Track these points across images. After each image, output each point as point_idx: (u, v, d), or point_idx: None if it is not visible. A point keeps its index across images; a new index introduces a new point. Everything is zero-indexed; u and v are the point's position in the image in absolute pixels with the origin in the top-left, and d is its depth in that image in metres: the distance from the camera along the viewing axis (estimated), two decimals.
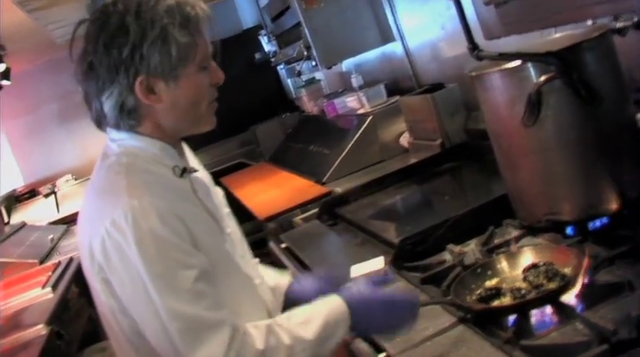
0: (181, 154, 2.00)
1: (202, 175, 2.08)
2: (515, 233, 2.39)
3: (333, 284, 2.16)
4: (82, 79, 1.85)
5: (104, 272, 1.76)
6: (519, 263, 2.10)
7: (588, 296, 1.81)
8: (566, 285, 1.85)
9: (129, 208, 1.71)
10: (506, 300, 1.94)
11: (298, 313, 1.89)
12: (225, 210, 2.13)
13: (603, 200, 2.17)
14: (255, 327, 1.78)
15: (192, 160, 2.12)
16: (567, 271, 1.93)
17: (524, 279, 2.00)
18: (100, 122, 1.90)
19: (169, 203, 1.77)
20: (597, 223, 2.21)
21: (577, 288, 1.84)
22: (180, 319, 1.69)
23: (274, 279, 2.29)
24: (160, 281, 1.69)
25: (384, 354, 1.96)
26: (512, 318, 1.82)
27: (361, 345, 2.05)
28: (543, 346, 1.69)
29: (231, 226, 2.10)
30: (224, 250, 1.93)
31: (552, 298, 1.84)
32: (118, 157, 1.87)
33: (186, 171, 1.93)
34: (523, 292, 1.91)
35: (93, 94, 1.84)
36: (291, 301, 2.21)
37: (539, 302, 1.84)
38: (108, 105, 1.82)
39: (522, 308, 1.85)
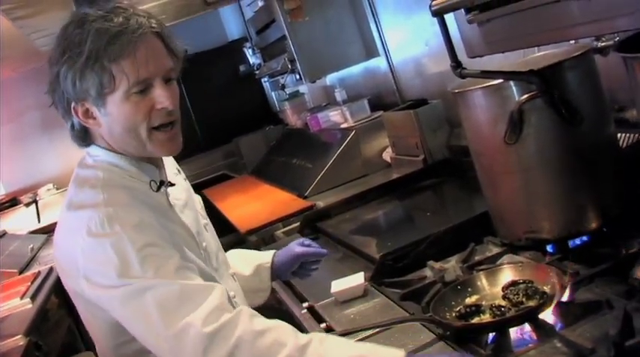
0: (159, 165, 2.00)
1: (180, 183, 2.10)
2: (495, 250, 2.39)
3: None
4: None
5: (90, 281, 1.75)
6: (499, 281, 2.10)
7: (567, 314, 1.82)
8: (545, 303, 1.84)
9: (104, 214, 1.73)
10: (485, 317, 1.93)
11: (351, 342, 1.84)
12: (203, 221, 2.13)
13: (583, 218, 2.19)
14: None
15: (171, 168, 2.13)
16: (547, 289, 1.93)
17: (504, 297, 1.99)
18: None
19: (147, 215, 1.79)
20: (577, 241, 2.22)
21: (555, 306, 1.84)
22: (158, 292, 1.68)
23: (256, 259, 2.41)
24: (141, 273, 1.69)
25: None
26: (491, 335, 1.82)
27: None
28: None
29: (208, 238, 2.10)
30: (200, 264, 1.91)
31: (531, 315, 1.84)
32: (95, 170, 1.88)
33: (163, 185, 1.93)
34: (503, 309, 1.91)
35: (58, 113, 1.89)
36: (278, 271, 2.43)
37: (518, 320, 1.85)
38: (67, 125, 1.90)
39: (502, 326, 1.86)
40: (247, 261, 2.42)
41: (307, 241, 2.47)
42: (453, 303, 2.07)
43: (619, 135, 2.42)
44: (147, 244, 1.73)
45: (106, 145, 1.90)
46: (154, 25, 1.81)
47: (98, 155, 1.90)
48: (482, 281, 2.13)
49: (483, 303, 2.01)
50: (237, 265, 2.38)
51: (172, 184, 2.00)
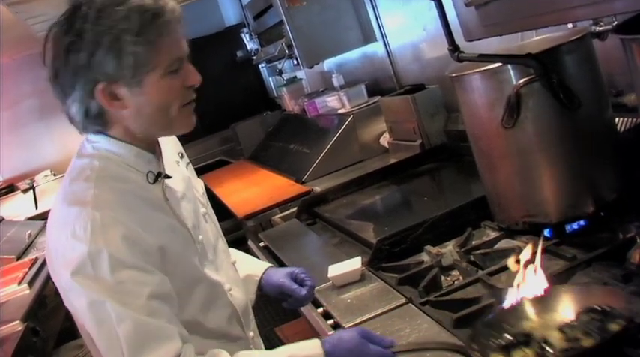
0: (158, 156, 1.96)
1: (180, 172, 2.06)
2: (493, 235, 2.39)
3: (295, 281, 2.24)
4: (51, 84, 1.82)
5: (61, 281, 1.74)
6: (555, 307, 1.72)
7: None
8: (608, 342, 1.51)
9: (90, 219, 1.69)
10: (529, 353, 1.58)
11: (264, 352, 1.91)
12: (202, 210, 2.10)
13: (581, 203, 2.19)
14: (199, 354, 1.76)
15: (173, 155, 2.10)
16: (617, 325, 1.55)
17: (561, 329, 1.63)
18: (75, 125, 1.87)
19: (136, 215, 1.76)
20: (574, 225, 2.22)
21: None
22: (129, 321, 1.66)
23: (248, 268, 2.32)
24: (111, 293, 1.67)
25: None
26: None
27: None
28: None
29: (206, 229, 2.06)
30: (191, 258, 1.90)
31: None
32: (91, 160, 1.84)
33: (160, 176, 1.90)
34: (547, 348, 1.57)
35: (60, 98, 1.81)
36: (263, 289, 2.29)
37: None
38: (73, 110, 1.79)
39: None
40: (239, 267, 2.36)
41: (302, 274, 2.26)
42: (504, 325, 1.71)
43: (617, 119, 2.41)
44: (125, 266, 1.69)
45: (120, 131, 1.84)
46: (180, 8, 1.83)
47: (98, 141, 1.85)
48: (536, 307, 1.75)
49: (535, 333, 1.65)
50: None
51: (169, 177, 1.95)
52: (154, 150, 1.94)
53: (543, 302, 1.73)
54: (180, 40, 1.80)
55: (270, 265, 2.40)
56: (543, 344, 1.57)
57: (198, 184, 2.17)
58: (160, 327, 1.69)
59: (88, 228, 1.67)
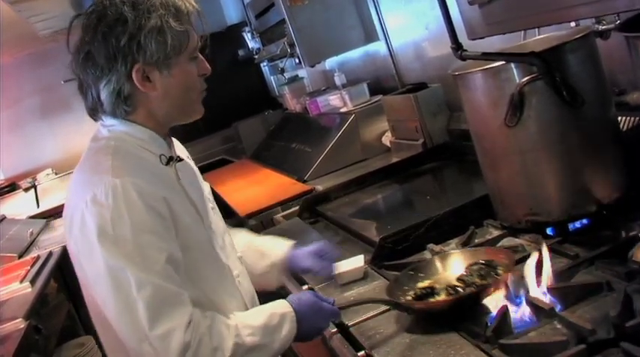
0: (169, 143, 2.04)
1: (190, 166, 2.14)
2: (495, 233, 2.39)
3: (321, 258, 2.36)
4: (79, 68, 1.90)
5: (77, 247, 1.81)
6: (451, 265, 2.21)
7: (567, 296, 1.81)
8: (497, 282, 1.94)
9: (110, 185, 1.76)
10: (441, 297, 2.02)
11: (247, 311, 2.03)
12: (210, 205, 2.16)
13: (583, 201, 2.19)
14: (203, 316, 1.83)
15: (182, 151, 2.17)
16: (500, 269, 2.02)
17: (459, 279, 2.06)
18: (95, 110, 1.95)
19: (153, 185, 1.83)
20: (577, 224, 2.22)
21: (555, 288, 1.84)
22: (150, 287, 1.73)
23: (270, 255, 2.40)
24: (131, 256, 1.74)
25: (362, 352, 1.96)
26: (491, 316, 1.82)
27: (340, 343, 2.06)
28: (522, 345, 1.69)
29: (214, 220, 2.13)
30: (203, 236, 1.99)
31: (482, 294, 1.94)
32: (107, 140, 1.92)
33: (172, 160, 1.98)
34: (457, 289, 2.00)
35: (90, 82, 1.90)
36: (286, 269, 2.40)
37: (473, 298, 1.94)
38: (105, 92, 1.88)
39: (458, 304, 1.94)
40: (260, 251, 2.43)
41: (326, 249, 2.41)
42: (405, 287, 2.14)
43: (619, 118, 2.41)
44: (145, 230, 1.77)
45: (142, 115, 1.94)
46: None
47: (113, 124, 1.94)
48: (436, 265, 2.23)
49: (437, 285, 2.09)
50: (249, 257, 2.39)
51: (181, 159, 2.05)
52: (166, 136, 2.03)
53: (446, 259, 2.23)
54: (196, 32, 1.95)
55: (289, 245, 2.45)
56: (449, 289, 2.01)
57: (205, 186, 2.23)
58: (175, 292, 1.77)
59: (109, 194, 1.75)
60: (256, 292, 2.26)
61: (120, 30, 1.82)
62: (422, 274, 2.19)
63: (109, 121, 1.95)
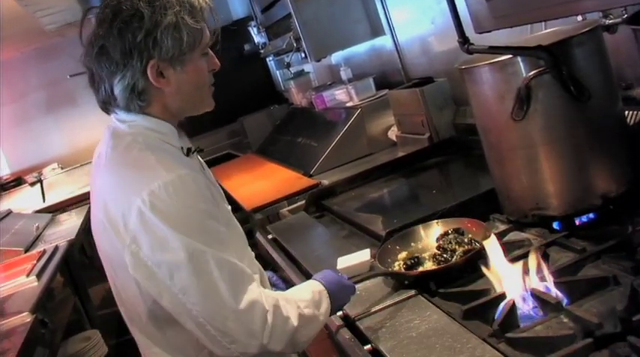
0: (183, 135, 2.07)
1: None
2: (502, 227, 2.39)
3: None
4: (92, 62, 1.91)
5: (136, 244, 1.80)
6: (426, 235, 2.48)
7: (574, 290, 1.81)
8: (479, 246, 2.15)
9: (168, 180, 1.79)
10: (430, 265, 2.28)
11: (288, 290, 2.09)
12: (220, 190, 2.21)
13: (590, 196, 2.19)
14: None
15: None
16: (472, 236, 2.30)
17: (438, 247, 2.32)
18: (108, 104, 1.97)
19: (198, 175, 1.90)
20: (584, 218, 2.22)
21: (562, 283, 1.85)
22: (227, 266, 1.80)
23: None
24: (206, 240, 1.79)
25: (369, 346, 1.96)
26: (498, 310, 1.82)
27: (347, 336, 2.06)
28: (528, 339, 1.69)
29: (227, 208, 2.18)
30: (234, 220, 2.09)
31: (477, 257, 2.12)
32: (134, 136, 1.93)
33: (191, 151, 2.03)
34: (444, 256, 2.24)
35: (104, 76, 1.91)
36: None
37: (465, 264, 2.14)
38: (119, 87, 1.90)
39: (448, 270, 2.16)
40: None
41: (274, 278, 2.58)
42: (389, 260, 2.36)
43: (626, 112, 2.41)
44: (210, 217, 1.84)
45: (157, 109, 1.96)
46: None
47: (134, 120, 1.95)
48: (413, 236, 2.49)
49: (419, 255, 2.34)
50: None
51: (201, 150, 2.13)
52: (180, 128, 2.06)
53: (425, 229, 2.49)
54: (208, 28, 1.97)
55: None
56: (436, 257, 2.26)
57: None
58: (243, 268, 1.85)
59: (169, 188, 1.78)
60: None
61: (136, 26, 1.83)
62: (398, 247, 2.43)
63: (127, 116, 1.96)
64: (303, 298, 1.94)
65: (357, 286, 2.14)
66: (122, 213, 1.81)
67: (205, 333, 1.81)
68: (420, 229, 2.49)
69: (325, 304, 1.98)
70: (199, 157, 2.15)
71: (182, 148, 1.98)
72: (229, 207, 2.19)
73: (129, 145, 1.92)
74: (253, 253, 2.19)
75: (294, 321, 1.86)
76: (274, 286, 2.35)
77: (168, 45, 1.84)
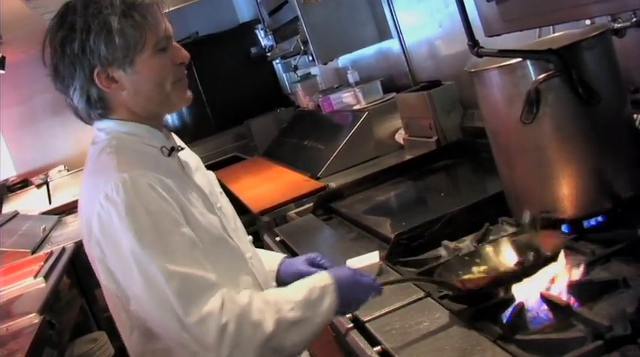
0: (167, 135, 2.07)
1: (192, 153, 2.18)
2: (510, 230, 2.40)
3: (313, 265, 2.31)
4: (52, 80, 1.94)
5: (101, 248, 1.81)
6: (506, 252, 2.15)
7: (584, 292, 1.82)
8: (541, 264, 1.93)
9: (120, 180, 1.77)
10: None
11: (285, 286, 2.01)
12: (217, 189, 2.20)
13: (599, 199, 2.19)
14: (240, 293, 1.85)
15: (179, 142, 2.18)
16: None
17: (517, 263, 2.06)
18: (80, 116, 1.98)
19: (159, 175, 1.84)
20: (593, 221, 2.22)
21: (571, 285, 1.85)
22: (177, 278, 1.74)
23: (265, 263, 2.32)
24: (154, 248, 1.75)
25: (378, 347, 1.97)
26: (507, 313, 1.82)
27: (356, 338, 2.06)
28: (538, 341, 1.70)
29: (223, 203, 2.16)
30: (214, 221, 1.98)
31: (525, 273, 1.92)
32: (108, 141, 1.94)
33: (173, 150, 2.01)
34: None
35: (62, 91, 1.94)
36: (282, 280, 2.32)
37: (513, 277, 1.93)
38: (75, 99, 1.92)
39: (498, 283, 1.95)
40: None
41: (318, 258, 2.36)
42: (460, 272, 2.10)
43: (635, 116, 2.41)
44: (162, 218, 1.78)
45: (123, 113, 1.95)
46: None
47: (109, 126, 1.96)
48: (489, 253, 2.16)
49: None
50: None
51: (182, 149, 2.09)
52: (161, 129, 2.05)
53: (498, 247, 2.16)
54: (163, 21, 1.92)
55: (285, 255, 2.45)
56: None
57: (210, 174, 2.25)
58: (203, 277, 1.78)
59: (120, 188, 1.76)
60: None
61: (72, 38, 1.83)
62: (477, 260, 2.14)
63: (102, 124, 1.97)
64: (293, 298, 1.87)
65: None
66: (88, 219, 1.83)
67: (170, 342, 1.83)
68: (503, 244, 2.17)
69: (327, 302, 1.90)
70: (180, 158, 2.10)
71: (163, 148, 1.98)
72: (228, 210, 2.17)
73: (101, 150, 1.93)
74: (249, 254, 2.13)
75: (268, 327, 1.79)
76: (319, 266, 2.27)
77: (104, 50, 1.83)
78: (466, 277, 2.05)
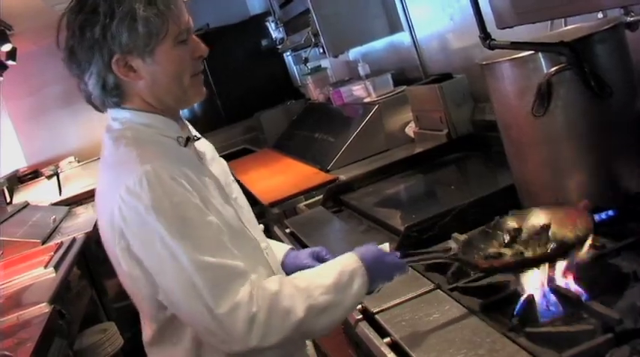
0: (182, 125, 2.06)
1: (207, 143, 2.18)
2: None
3: (318, 260, 2.26)
4: (66, 64, 1.92)
5: (124, 239, 1.80)
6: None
7: (594, 285, 1.81)
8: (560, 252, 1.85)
9: (142, 173, 1.77)
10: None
11: (311, 269, 2.01)
12: (230, 178, 2.19)
13: (610, 193, 2.19)
14: (269, 280, 1.86)
15: (193, 132, 2.17)
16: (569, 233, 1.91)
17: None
18: (93, 103, 1.97)
19: (179, 167, 1.84)
20: (603, 215, 2.21)
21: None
22: (207, 269, 1.75)
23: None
24: (182, 239, 1.75)
25: (388, 339, 1.97)
26: (517, 305, 1.82)
27: (366, 330, 2.06)
28: (548, 334, 1.70)
29: (237, 192, 2.16)
30: (231, 212, 1.98)
31: (550, 258, 1.84)
32: (123, 132, 1.93)
33: (189, 140, 2.01)
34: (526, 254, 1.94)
35: (77, 76, 1.92)
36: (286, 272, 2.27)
37: (536, 262, 1.85)
38: (91, 85, 1.90)
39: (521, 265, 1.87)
40: None
41: (324, 252, 2.32)
42: (482, 246, 2.05)
43: None
44: (187, 208, 1.79)
45: (138, 103, 1.94)
46: None
47: (124, 116, 1.95)
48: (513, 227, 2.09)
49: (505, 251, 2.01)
50: None
51: (198, 138, 2.08)
52: (177, 118, 2.04)
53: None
54: (185, 13, 1.91)
55: (291, 247, 2.43)
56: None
57: (223, 163, 2.25)
58: (231, 266, 1.79)
59: (143, 181, 1.76)
60: None
61: (93, 21, 1.81)
62: (500, 232, 2.08)
63: (117, 113, 1.96)
64: (323, 283, 1.86)
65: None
66: (110, 212, 1.82)
67: (197, 329, 1.85)
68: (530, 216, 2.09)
69: (357, 284, 1.89)
70: (196, 147, 2.11)
71: (179, 138, 1.97)
72: (242, 201, 2.17)
73: (116, 141, 1.92)
74: (264, 244, 2.14)
75: (299, 313, 1.79)
76: (324, 261, 2.24)
77: (126, 38, 1.81)
78: (491, 251, 2.00)
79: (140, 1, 1.81)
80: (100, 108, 1.98)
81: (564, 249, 1.84)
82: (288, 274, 2.19)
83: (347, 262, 1.94)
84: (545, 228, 1.98)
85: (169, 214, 1.75)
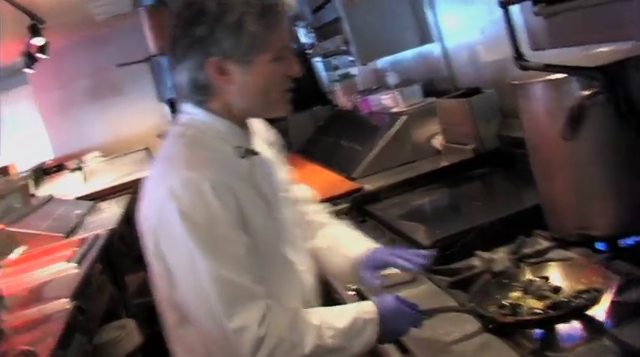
0: (248, 135, 2.06)
1: (267, 157, 2.13)
2: (545, 245, 2.39)
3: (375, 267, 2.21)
4: (167, 51, 1.98)
5: (156, 235, 1.86)
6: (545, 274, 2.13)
7: (617, 313, 1.81)
8: (587, 305, 1.87)
9: (187, 178, 1.80)
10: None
11: (329, 308, 2.01)
12: (283, 194, 2.15)
13: (636, 219, 2.17)
14: (285, 310, 1.86)
15: (261, 142, 2.16)
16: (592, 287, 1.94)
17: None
18: (178, 91, 2.01)
19: (224, 179, 1.85)
20: (629, 241, 2.21)
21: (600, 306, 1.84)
22: (224, 284, 1.77)
23: (352, 252, 2.29)
24: (207, 248, 1.77)
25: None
26: (538, 330, 1.82)
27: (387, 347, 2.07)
28: None
29: (286, 210, 2.13)
30: (270, 232, 1.99)
31: (575, 314, 1.86)
32: (186, 128, 1.98)
33: (248, 153, 2.00)
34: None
35: (171, 64, 1.96)
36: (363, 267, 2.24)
37: (561, 318, 1.87)
38: (180, 79, 1.94)
39: (546, 323, 1.88)
40: (341, 246, 2.35)
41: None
42: (497, 296, 2.09)
43: None
44: (220, 223, 1.81)
45: (219, 105, 1.96)
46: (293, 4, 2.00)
47: (195, 113, 1.98)
48: (528, 275, 2.15)
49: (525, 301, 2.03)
50: (328, 255, 2.35)
51: (256, 153, 2.05)
52: (245, 128, 2.05)
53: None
54: (288, 32, 1.93)
55: (373, 247, 2.32)
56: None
57: (284, 171, 2.26)
58: (248, 287, 1.81)
59: (185, 186, 1.79)
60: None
61: (200, 20, 1.85)
62: (515, 284, 2.14)
63: (190, 108, 1.99)
64: (336, 325, 1.87)
65: (399, 293, 2.10)
66: (148, 203, 1.88)
67: (205, 339, 1.87)
68: (547, 269, 2.15)
69: (367, 334, 1.90)
70: (270, 154, 2.14)
71: (239, 148, 1.97)
72: (292, 214, 2.16)
73: (177, 136, 1.98)
74: (303, 267, 2.11)
75: (305, 350, 1.81)
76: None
77: (227, 44, 1.85)
78: (505, 302, 2.04)
79: (252, 12, 1.84)
80: (181, 98, 2.02)
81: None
82: (371, 268, 2.20)
83: (365, 309, 1.95)
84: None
85: (200, 223, 1.78)
